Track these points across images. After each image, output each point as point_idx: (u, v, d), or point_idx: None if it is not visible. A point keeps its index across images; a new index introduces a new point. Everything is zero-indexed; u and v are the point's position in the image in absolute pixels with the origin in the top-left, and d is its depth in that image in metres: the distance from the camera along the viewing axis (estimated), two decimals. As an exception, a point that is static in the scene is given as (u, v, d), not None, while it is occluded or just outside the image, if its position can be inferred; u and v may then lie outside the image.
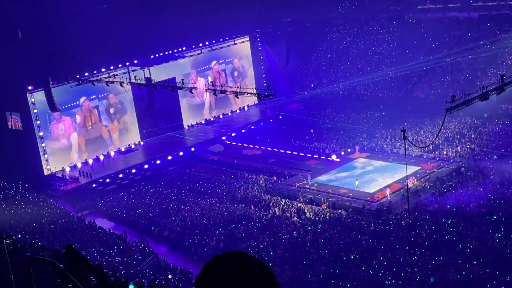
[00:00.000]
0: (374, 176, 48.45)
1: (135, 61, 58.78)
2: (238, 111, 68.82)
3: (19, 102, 53.42)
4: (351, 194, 45.17)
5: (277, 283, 3.63)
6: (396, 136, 53.21)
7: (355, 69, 67.45)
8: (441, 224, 37.57)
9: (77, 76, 55.31)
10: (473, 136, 51.73)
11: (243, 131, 62.71)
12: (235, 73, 70.20)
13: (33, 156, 53.74)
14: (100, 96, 58.12)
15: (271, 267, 4.41)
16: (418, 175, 46.59)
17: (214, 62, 67.85)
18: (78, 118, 57.18)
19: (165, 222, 43.69)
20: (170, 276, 34.49)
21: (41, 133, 53.92)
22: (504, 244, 34.05)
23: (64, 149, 56.13)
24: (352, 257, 35.07)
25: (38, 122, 53.75)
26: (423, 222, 38.13)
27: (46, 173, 54.16)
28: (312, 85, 68.92)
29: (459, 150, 49.64)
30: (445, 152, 49.92)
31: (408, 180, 42.28)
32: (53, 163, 54.56)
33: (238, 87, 52.04)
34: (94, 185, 51.77)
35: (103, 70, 56.56)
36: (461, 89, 50.75)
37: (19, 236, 36.12)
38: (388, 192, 44.34)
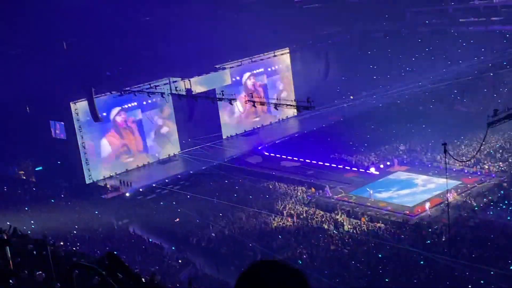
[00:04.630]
0: (414, 190, 47.99)
1: (176, 73, 59.44)
2: (277, 122, 68.96)
3: (63, 111, 54.62)
4: (390, 208, 44.79)
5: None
6: (436, 150, 52.58)
7: (395, 81, 67.00)
8: (482, 239, 36.95)
9: (124, 89, 56.14)
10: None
11: (278, 142, 62.69)
12: (275, 85, 70.37)
13: (75, 164, 54.78)
14: (141, 107, 58.99)
15: (306, 274, 4.48)
16: (459, 190, 45.95)
17: (253, 73, 68.22)
18: (120, 129, 58.15)
19: (203, 233, 43.96)
20: None
21: (83, 142, 54.92)
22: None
23: (107, 158, 57.04)
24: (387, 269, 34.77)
25: (81, 131, 54.74)
26: (463, 237, 37.57)
27: (87, 181, 55.11)
28: (351, 97, 68.69)
29: (501, 165, 48.81)
30: (486, 167, 49.16)
31: (448, 194, 41.77)
32: (94, 172, 55.51)
33: (277, 99, 52.20)
34: (134, 194, 52.40)
35: (145, 81, 57.29)
36: (503, 103, 49.95)
37: (61, 243, 36.78)
38: (428, 205, 43.83)
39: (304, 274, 3.83)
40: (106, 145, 57.31)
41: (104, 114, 55.73)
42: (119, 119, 58.31)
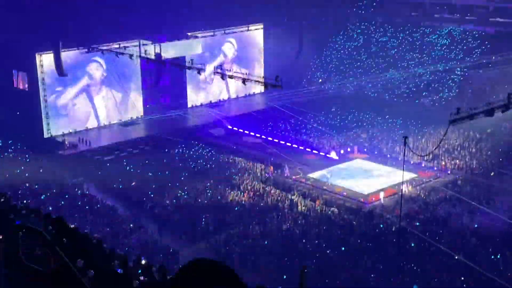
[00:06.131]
0: (371, 178, 48.62)
1: (147, 36, 58.62)
2: (244, 97, 68.86)
3: (27, 62, 53.54)
4: (345, 193, 45.33)
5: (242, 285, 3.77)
6: (397, 141, 53.20)
7: (365, 69, 67.44)
8: (431, 233, 37.69)
9: (88, 44, 55.26)
10: (473, 150, 51.79)
11: (243, 116, 62.64)
12: (245, 59, 70.11)
13: (35, 117, 53.88)
14: (109, 65, 58.15)
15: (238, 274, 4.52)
16: (414, 183, 46.69)
17: (227, 44, 67.88)
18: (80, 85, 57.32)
19: (158, 199, 43.85)
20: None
21: (45, 95, 53.96)
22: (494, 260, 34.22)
23: (68, 114, 56.25)
24: (336, 253, 35.25)
25: (44, 84, 53.77)
26: (413, 229, 38.27)
27: (46, 135, 54.31)
28: (320, 81, 68.92)
29: (458, 163, 49.71)
30: (443, 163, 50.00)
31: (403, 186, 42.40)
32: (54, 126, 54.71)
33: (246, 74, 51.98)
34: (92, 154, 51.86)
35: (115, 40, 56.38)
36: (467, 102, 50.81)
37: (11, 194, 36.27)
38: (382, 195, 44.50)
39: (237, 274, 3.85)
40: (69, 100, 56.41)
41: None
42: (88, 75, 57.38)
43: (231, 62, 68.04)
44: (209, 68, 58.20)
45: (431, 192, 44.93)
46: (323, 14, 71.74)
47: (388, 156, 52.42)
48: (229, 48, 68.52)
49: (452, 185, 45.77)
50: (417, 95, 63.09)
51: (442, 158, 50.74)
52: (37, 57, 53.52)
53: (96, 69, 57.84)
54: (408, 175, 46.59)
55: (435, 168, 49.64)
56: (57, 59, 53.42)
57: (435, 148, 49.46)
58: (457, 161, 50.08)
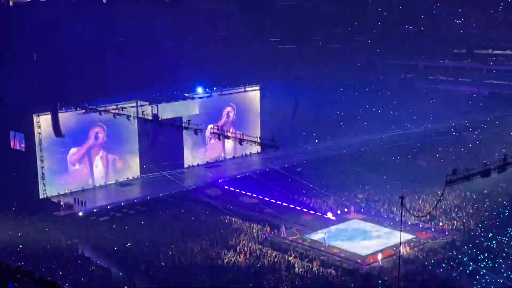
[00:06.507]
0: (368, 239, 48.26)
1: (144, 97, 59.19)
2: (240, 157, 69.03)
3: (25, 123, 53.83)
4: (342, 255, 44.89)
5: None
6: (393, 202, 53.07)
7: (360, 129, 67.88)
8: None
9: (86, 105, 55.70)
10: (470, 211, 51.61)
11: (239, 177, 62.64)
12: (242, 120, 70.60)
13: (31, 178, 53.79)
14: (105, 126, 58.43)
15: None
16: (412, 244, 46.30)
17: (228, 107, 68.65)
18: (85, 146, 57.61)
19: (153, 260, 43.31)
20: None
21: (42, 156, 54.02)
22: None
23: (64, 175, 56.20)
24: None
25: (41, 145, 53.89)
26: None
27: (41, 196, 54.09)
28: (316, 141, 69.26)
29: (456, 224, 49.44)
30: (441, 224, 49.73)
31: (401, 247, 42.03)
32: (49, 187, 54.56)
33: (242, 134, 52.28)
34: (87, 215, 51.51)
35: (112, 101, 56.77)
36: (463, 162, 50.80)
37: (3, 255, 35.91)
38: (379, 256, 44.05)
39: None
40: (64, 161, 56.45)
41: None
42: (88, 136, 57.65)
43: (228, 122, 68.48)
44: (206, 129, 58.61)
45: (430, 253, 44.48)
46: (319, 74, 72.56)
47: (386, 216, 52.17)
48: (226, 109, 69.08)
49: (450, 246, 45.39)
50: (413, 155, 63.27)
51: (440, 219, 50.49)
52: (35, 118, 53.82)
53: (95, 130, 58.08)
54: (406, 236, 46.24)
55: (433, 229, 49.34)
56: (55, 120, 53.76)
57: (433, 209, 49.27)
58: (455, 222, 49.83)
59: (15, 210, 50.06)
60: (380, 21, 77.68)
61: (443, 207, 52.16)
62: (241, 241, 46.74)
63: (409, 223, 49.47)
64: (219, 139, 53.18)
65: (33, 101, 52.73)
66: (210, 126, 62.79)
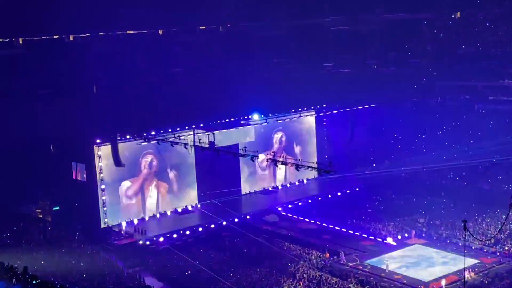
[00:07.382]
0: (431, 265, 47.19)
1: (201, 125, 59.86)
2: (297, 183, 68.82)
3: (86, 153, 55.09)
4: (404, 281, 43.98)
5: None
6: (456, 226, 51.85)
7: (420, 153, 66.84)
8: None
9: (144, 134, 56.63)
10: (537, 234, 49.96)
11: (300, 203, 62.45)
12: (298, 146, 70.50)
13: (92, 207, 54.86)
14: (163, 155, 59.22)
15: None
16: (476, 269, 45.02)
17: (279, 133, 68.65)
18: (141, 176, 58.45)
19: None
20: None
21: (103, 186, 55.12)
22: None
23: (124, 204, 57.10)
24: None
25: (102, 175, 54.98)
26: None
27: (102, 225, 55.05)
28: (374, 165, 68.47)
29: (522, 247, 47.91)
30: (506, 248, 48.22)
31: (465, 273, 40.93)
32: (110, 216, 55.51)
33: (299, 160, 52.19)
34: (147, 243, 52.14)
35: (169, 130, 57.63)
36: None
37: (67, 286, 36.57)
38: (443, 283, 42.95)
39: None
40: (126, 191, 57.38)
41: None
42: (142, 166, 58.51)
43: (280, 149, 68.46)
44: (262, 155, 58.74)
45: (495, 278, 43.16)
46: (374, 99, 71.92)
47: (448, 241, 50.96)
48: (277, 135, 69.16)
49: (517, 271, 43.95)
50: (475, 178, 61.80)
51: (505, 242, 48.97)
52: (95, 148, 55.02)
53: (151, 160, 58.92)
54: (470, 261, 45.04)
55: (498, 254, 47.89)
56: (115, 150, 54.87)
57: (497, 232, 47.88)
58: (521, 245, 48.29)
59: (78, 239, 51.01)
60: (436, 43, 76.69)
61: (508, 231, 50.59)
62: (300, 268, 46.39)
63: (473, 247, 48.21)
64: (276, 166, 53.13)
65: (92, 131, 54.03)
66: (266, 152, 63.03)
